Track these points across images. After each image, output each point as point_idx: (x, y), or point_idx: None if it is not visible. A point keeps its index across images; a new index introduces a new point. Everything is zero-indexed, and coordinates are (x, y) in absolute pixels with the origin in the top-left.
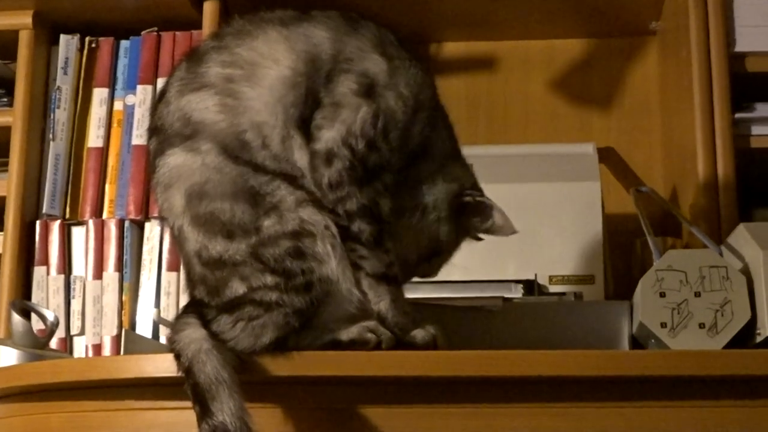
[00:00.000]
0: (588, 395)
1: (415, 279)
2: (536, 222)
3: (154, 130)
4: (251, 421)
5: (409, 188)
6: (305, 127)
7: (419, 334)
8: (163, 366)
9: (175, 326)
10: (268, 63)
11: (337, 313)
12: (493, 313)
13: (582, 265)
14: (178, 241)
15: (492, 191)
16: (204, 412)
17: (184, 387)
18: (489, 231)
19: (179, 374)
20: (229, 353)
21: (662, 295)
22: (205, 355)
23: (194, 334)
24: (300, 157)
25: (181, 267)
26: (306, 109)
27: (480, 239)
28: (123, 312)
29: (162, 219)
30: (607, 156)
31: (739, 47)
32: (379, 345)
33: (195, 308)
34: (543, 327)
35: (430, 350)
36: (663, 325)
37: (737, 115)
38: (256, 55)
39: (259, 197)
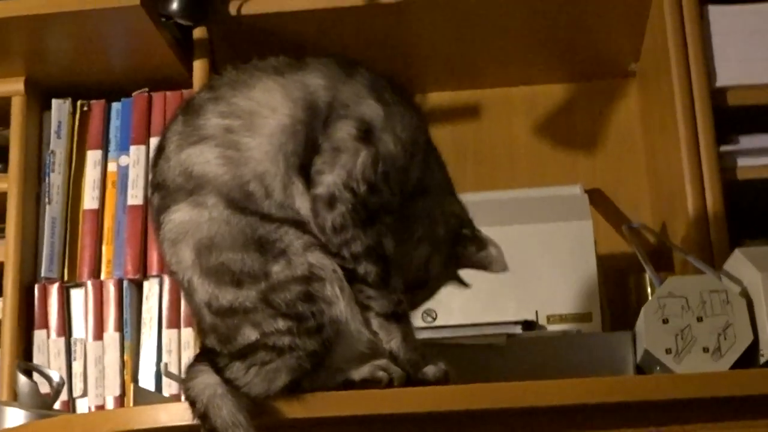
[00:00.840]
0: (598, 422)
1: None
2: (531, 263)
3: (156, 186)
4: None
5: (405, 222)
6: (306, 173)
7: (431, 370)
8: (178, 414)
9: (188, 374)
10: (267, 112)
11: (349, 353)
12: (498, 350)
13: (579, 303)
14: (187, 292)
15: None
16: None
17: None
18: (483, 262)
19: (194, 421)
20: (243, 397)
21: (665, 321)
22: (220, 399)
23: (208, 379)
24: (302, 204)
25: (182, 324)
26: (306, 156)
27: (466, 285)
28: (125, 371)
29: (171, 273)
30: (594, 198)
31: (720, 82)
32: (391, 383)
33: (207, 356)
34: (548, 361)
35: (442, 385)
36: (668, 351)
37: (722, 149)
38: (253, 104)
39: (268, 244)
